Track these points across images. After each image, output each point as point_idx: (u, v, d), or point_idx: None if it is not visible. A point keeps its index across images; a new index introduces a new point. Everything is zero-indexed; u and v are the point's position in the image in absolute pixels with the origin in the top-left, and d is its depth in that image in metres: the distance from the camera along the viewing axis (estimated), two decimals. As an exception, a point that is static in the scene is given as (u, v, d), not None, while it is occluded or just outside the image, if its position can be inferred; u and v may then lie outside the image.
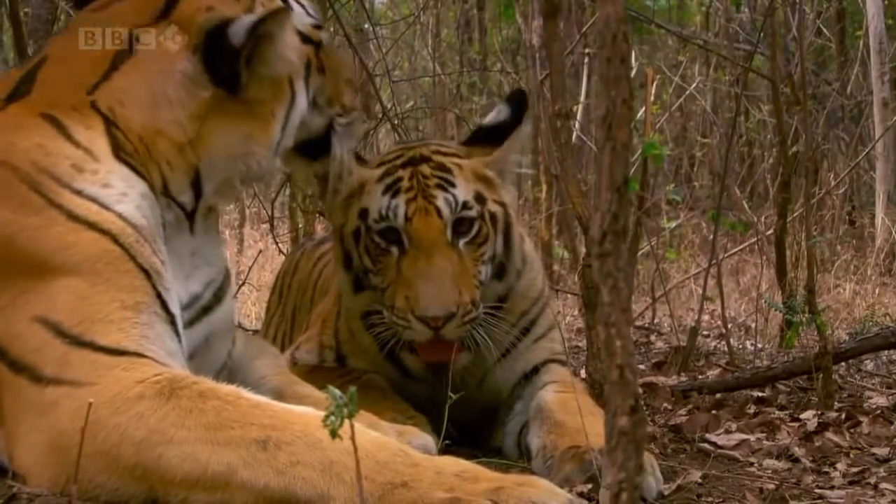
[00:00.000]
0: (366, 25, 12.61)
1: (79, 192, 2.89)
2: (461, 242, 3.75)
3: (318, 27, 3.46)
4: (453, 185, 3.79)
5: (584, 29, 10.07)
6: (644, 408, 1.88)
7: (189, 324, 3.12)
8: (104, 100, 3.07)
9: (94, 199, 2.89)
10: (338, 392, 1.86)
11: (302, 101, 3.34)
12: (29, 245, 2.82)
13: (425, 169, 3.83)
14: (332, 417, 1.89)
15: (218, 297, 3.32)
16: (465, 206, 3.77)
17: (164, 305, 2.90)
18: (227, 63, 3.08)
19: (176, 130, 3.10)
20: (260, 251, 9.60)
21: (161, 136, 3.08)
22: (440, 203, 3.75)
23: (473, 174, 3.85)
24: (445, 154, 3.91)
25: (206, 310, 3.25)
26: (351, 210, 3.86)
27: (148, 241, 2.93)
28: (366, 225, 3.81)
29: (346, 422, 1.90)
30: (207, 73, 3.10)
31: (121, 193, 2.94)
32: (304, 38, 3.37)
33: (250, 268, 8.68)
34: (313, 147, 3.55)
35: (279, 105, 3.26)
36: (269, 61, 3.18)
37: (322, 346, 4.17)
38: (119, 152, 3.00)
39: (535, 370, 3.96)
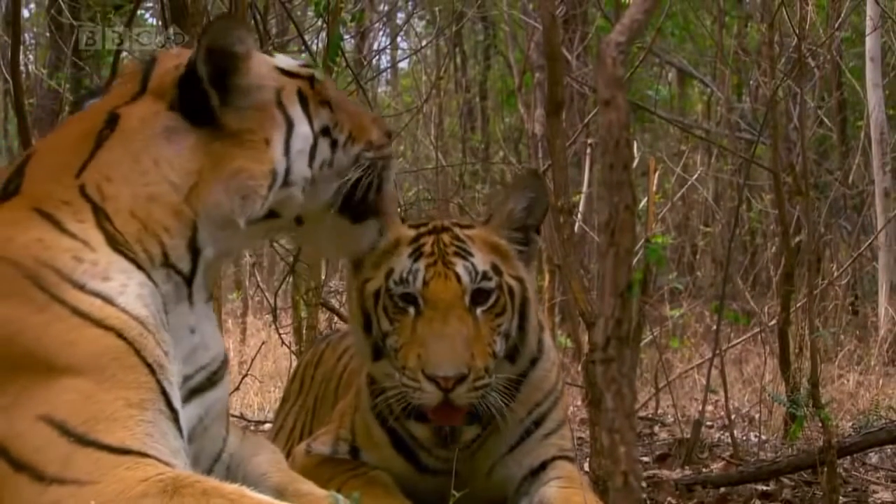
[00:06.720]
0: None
1: (81, 287, 2.88)
2: (478, 310, 3.73)
3: (306, 66, 3.47)
4: (471, 255, 3.80)
5: (587, 119, 10.12)
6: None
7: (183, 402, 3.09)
8: (91, 179, 3.07)
9: (96, 294, 2.89)
10: (340, 497, 1.86)
11: (303, 129, 3.31)
12: (32, 344, 2.81)
13: (445, 237, 3.84)
14: (335, 522, 1.89)
15: (212, 381, 3.28)
16: (485, 276, 3.76)
17: (168, 401, 2.89)
18: (198, 98, 3.13)
19: (168, 191, 3.10)
20: (263, 342, 9.57)
21: (154, 203, 3.08)
22: (459, 270, 3.75)
23: (486, 244, 3.85)
24: (461, 226, 3.93)
25: (197, 391, 3.20)
26: (381, 268, 3.84)
27: (151, 333, 2.92)
28: (387, 286, 3.80)
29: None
30: (186, 120, 3.14)
31: (121, 285, 2.93)
32: (286, 73, 3.37)
33: (253, 359, 8.66)
34: (354, 206, 3.48)
35: (273, 131, 3.24)
36: (242, 88, 3.19)
37: (338, 439, 4.15)
38: (115, 244, 2.99)
39: (543, 466, 3.93)
